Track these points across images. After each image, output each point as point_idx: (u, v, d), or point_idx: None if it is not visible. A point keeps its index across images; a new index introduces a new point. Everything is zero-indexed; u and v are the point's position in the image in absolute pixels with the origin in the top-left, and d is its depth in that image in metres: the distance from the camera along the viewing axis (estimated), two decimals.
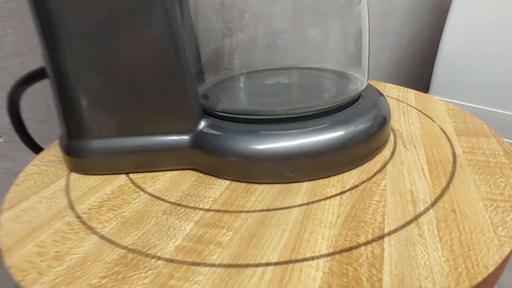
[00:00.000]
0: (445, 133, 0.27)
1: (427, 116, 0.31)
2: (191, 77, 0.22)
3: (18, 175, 0.26)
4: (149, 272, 0.16)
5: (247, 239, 0.17)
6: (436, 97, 0.36)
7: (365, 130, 0.24)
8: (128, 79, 0.22)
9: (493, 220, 0.17)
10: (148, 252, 0.17)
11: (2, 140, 0.40)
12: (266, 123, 0.23)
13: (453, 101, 0.57)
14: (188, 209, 0.20)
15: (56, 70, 0.22)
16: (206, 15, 0.34)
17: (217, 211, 0.20)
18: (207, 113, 0.25)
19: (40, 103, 0.40)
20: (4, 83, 0.36)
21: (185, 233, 0.18)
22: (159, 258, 0.17)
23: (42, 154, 0.29)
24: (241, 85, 0.29)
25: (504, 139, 0.26)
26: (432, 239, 0.16)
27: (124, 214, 0.20)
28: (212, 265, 0.16)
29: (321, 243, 0.17)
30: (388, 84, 0.40)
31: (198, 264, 0.16)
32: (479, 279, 0.14)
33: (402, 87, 0.39)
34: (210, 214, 0.20)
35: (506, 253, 0.15)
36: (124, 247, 0.17)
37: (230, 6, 0.35)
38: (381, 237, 0.17)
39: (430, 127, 0.28)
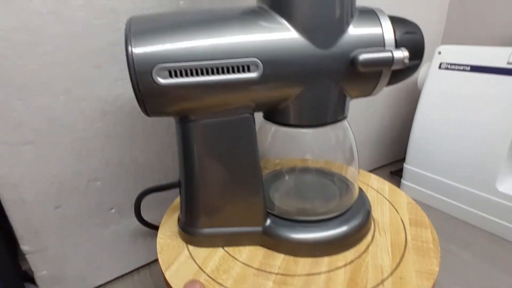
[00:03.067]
0: (403, 223, 0.46)
1: (394, 208, 0.50)
2: (263, 192, 0.41)
3: (157, 245, 0.44)
4: None
5: None
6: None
7: (360, 224, 0.43)
8: (227, 194, 0.40)
9: (419, 283, 0.36)
10: None
11: (113, 211, 0.58)
12: (303, 222, 0.42)
13: (424, 172, 0.77)
14: (266, 273, 0.38)
15: (189, 186, 0.40)
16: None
17: (282, 274, 0.38)
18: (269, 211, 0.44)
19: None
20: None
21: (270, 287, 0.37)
22: None
23: (161, 230, 0.47)
24: (283, 191, 0.48)
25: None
26: None
27: (233, 274, 0.38)
28: None
29: None
30: (372, 175, 0.60)
31: None
32: None
33: (381, 179, 0.58)
34: (279, 277, 0.38)
35: None
36: None
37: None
38: None
39: (395, 218, 0.48)
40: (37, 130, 0.47)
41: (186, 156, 0.38)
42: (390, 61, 0.33)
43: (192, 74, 0.29)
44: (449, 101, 0.68)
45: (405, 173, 0.78)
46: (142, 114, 0.57)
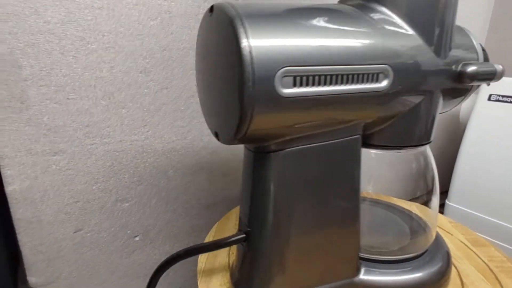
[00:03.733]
0: (465, 245, 0.41)
1: (442, 229, 0.45)
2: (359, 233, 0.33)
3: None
4: None
5: None
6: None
7: (449, 255, 0.37)
8: (316, 241, 0.28)
9: None
10: None
11: (137, 239, 0.50)
12: (394, 262, 0.35)
13: (469, 210, 0.71)
14: None
15: (264, 237, 0.27)
16: None
17: None
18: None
19: None
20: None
21: None
22: None
23: None
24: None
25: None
26: None
27: None
28: None
29: None
30: (393, 198, 0.53)
31: None
32: None
33: (404, 201, 0.51)
34: None
35: None
36: None
37: None
38: None
39: (454, 240, 0.43)
40: (69, 138, 0.41)
41: (263, 195, 0.26)
42: (494, 74, 0.32)
43: (319, 83, 0.22)
44: (501, 135, 0.64)
45: (447, 210, 0.73)
46: (183, 128, 0.52)
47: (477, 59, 0.35)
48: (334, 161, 0.27)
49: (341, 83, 0.22)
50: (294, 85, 0.21)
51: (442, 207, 0.76)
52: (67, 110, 0.40)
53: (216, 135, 0.24)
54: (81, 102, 0.40)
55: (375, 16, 0.27)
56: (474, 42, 0.36)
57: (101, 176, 0.45)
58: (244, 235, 0.27)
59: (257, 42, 0.19)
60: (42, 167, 0.40)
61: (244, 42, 0.19)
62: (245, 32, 0.19)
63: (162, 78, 0.45)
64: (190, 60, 0.46)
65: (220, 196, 0.57)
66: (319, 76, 0.21)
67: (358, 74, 0.23)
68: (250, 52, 0.19)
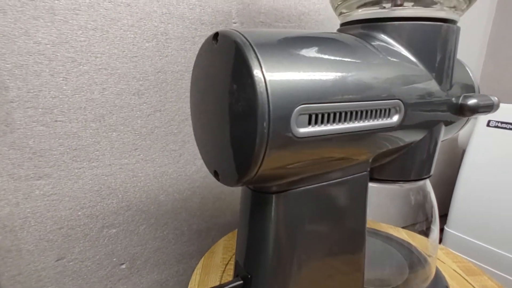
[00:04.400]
0: (459, 274, 0.40)
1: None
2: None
3: None
4: None
5: None
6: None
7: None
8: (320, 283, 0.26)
9: None
10: None
11: (124, 267, 0.48)
12: None
13: (469, 238, 0.70)
14: None
15: (268, 280, 0.24)
16: None
17: None
18: None
19: None
20: None
21: None
22: None
23: None
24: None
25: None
26: None
27: None
28: None
29: None
30: (382, 224, 0.52)
31: None
32: None
33: (393, 227, 0.50)
34: None
35: None
36: None
37: None
38: None
39: (447, 269, 0.41)
40: (55, 162, 0.39)
41: (264, 239, 0.24)
42: (492, 107, 0.31)
43: (334, 121, 0.20)
44: (499, 161, 0.64)
45: (445, 237, 0.72)
46: (175, 152, 0.50)
47: (474, 91, 0.35)
48: (342, 200, 0.25)
49: (355, 120, 0.21)
50: (309, 123, 0.19)
51: (441, 232, 0.75)
52: (54, 133, 0.38)
53: (216, 174, 0.22)
54: (69, 124, 0.39)
55: (379, 45, 0.26)
56: (470, 74, 0.36)
57: (87, 201, 0.42)
58: (241, 282, 0.25)
59: (273, 76, 0.17)
60: (25, 193, 0.38)
61: (259, 77, 0.17)
62: (260, 65, 0.17)
63: (155, 101, 0.44)
64: (185, 83, 0.45)
65: (212, 222, 0.55)
66: (335, 113, 0.20)
67: (371, 110, 0.22)
68: (266, 89, 0.17)
